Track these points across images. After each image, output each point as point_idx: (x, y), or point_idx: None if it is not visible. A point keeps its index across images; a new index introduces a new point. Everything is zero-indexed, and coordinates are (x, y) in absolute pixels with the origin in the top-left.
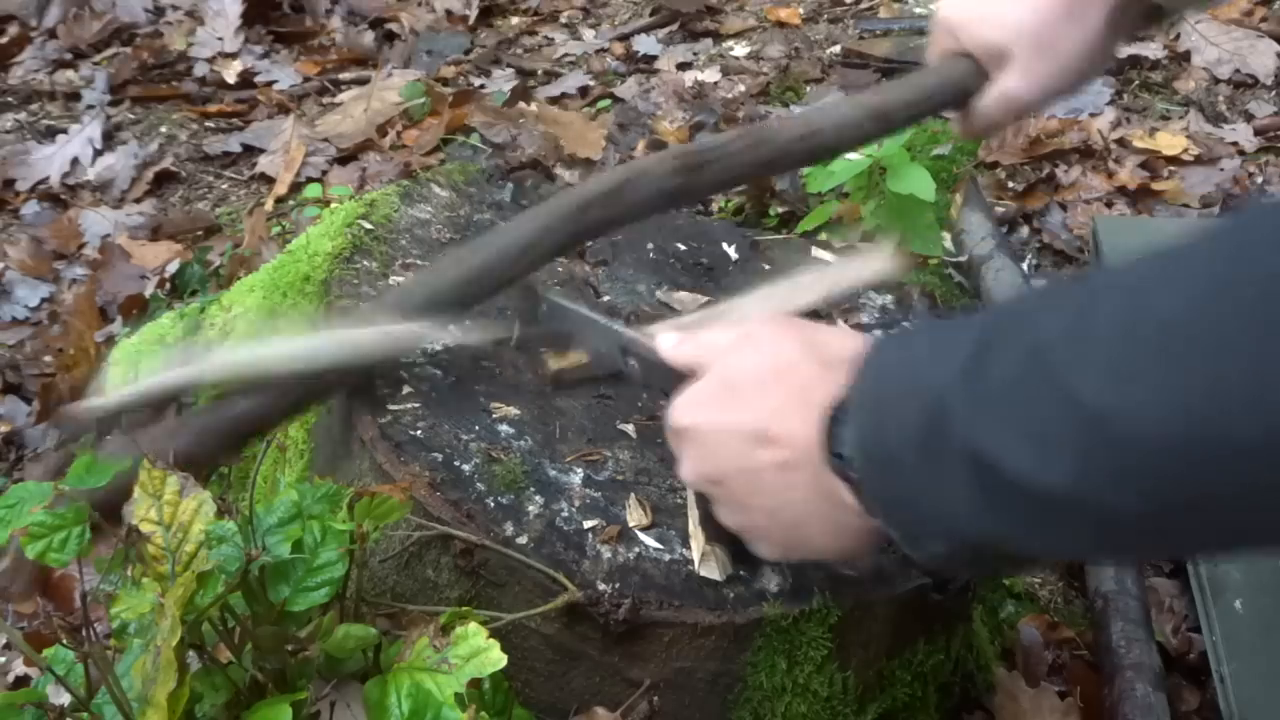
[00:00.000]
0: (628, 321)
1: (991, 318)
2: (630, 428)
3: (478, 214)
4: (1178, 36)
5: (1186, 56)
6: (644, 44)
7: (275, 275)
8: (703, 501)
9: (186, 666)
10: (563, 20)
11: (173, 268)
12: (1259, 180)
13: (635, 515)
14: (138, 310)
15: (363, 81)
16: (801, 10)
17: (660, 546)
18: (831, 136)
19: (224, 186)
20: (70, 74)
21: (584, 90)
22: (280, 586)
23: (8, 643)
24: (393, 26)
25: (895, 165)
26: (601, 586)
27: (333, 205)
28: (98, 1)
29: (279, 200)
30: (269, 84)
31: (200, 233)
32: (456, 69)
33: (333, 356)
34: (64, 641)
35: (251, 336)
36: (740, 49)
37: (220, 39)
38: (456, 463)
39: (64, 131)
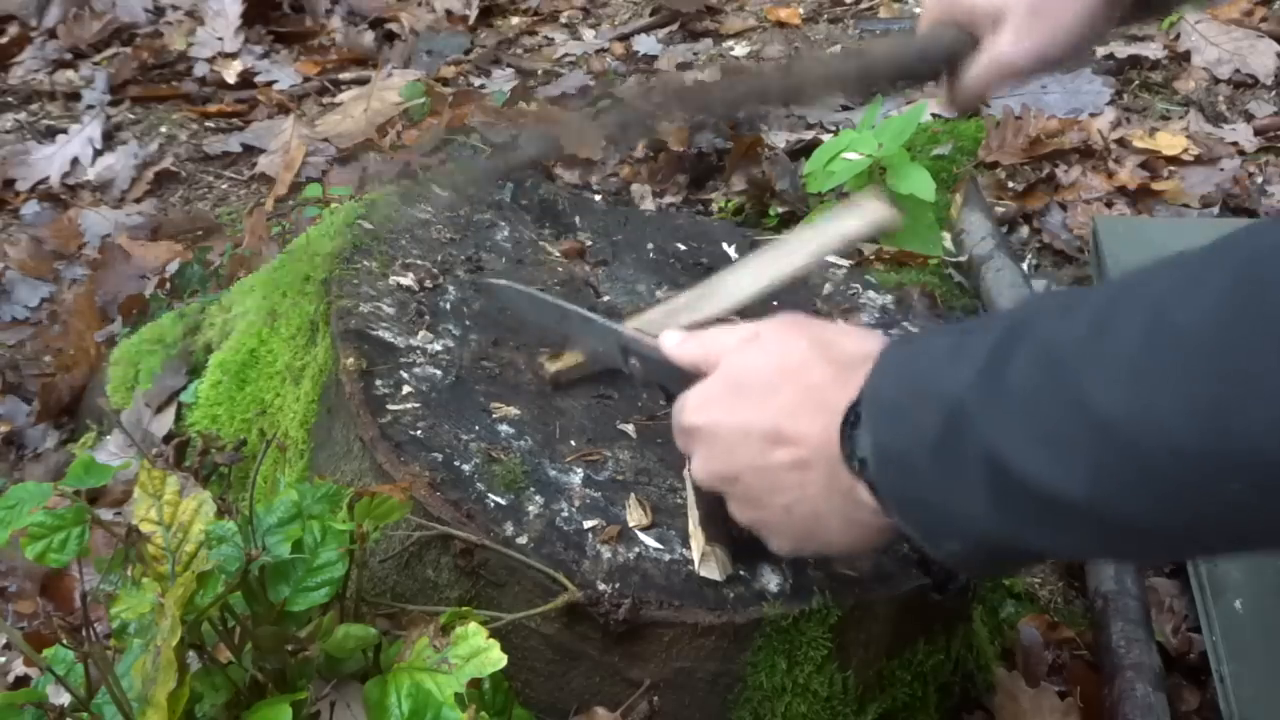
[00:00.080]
0: (610, 314)
1: (1007, 322)
2: (630, 428)
3: (478, 214)
4: (1178, 36)
5: (1186, 56)
6: (644, 44)
7: (275, 275)
8: (703, 501)
9: (186, 666)
10: (563, 20)
11: (173, 268)
12: (1259, 180)
13: (635, 515)
14: (138, 310)
15: (363, 81)
16: (801, 10)
17: (660, 546)
18: (813, 85)
19: (224, 186)
20: (70, 74)
21: (584, 90)
22: (280, 586)
23: (8, 643)
24: (393, 26)
25: (895, 165)
26: (601, 586)
27: (333, 205)
28: (98, 1)
29: (279, 200)
30: (269, 84)
31: (200, 233)
32: (456, 69)
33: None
34: (64, 641)
35: None
36: (740, 49)
37: (220, 39)
38: (456, 463)
39: (64, 131)
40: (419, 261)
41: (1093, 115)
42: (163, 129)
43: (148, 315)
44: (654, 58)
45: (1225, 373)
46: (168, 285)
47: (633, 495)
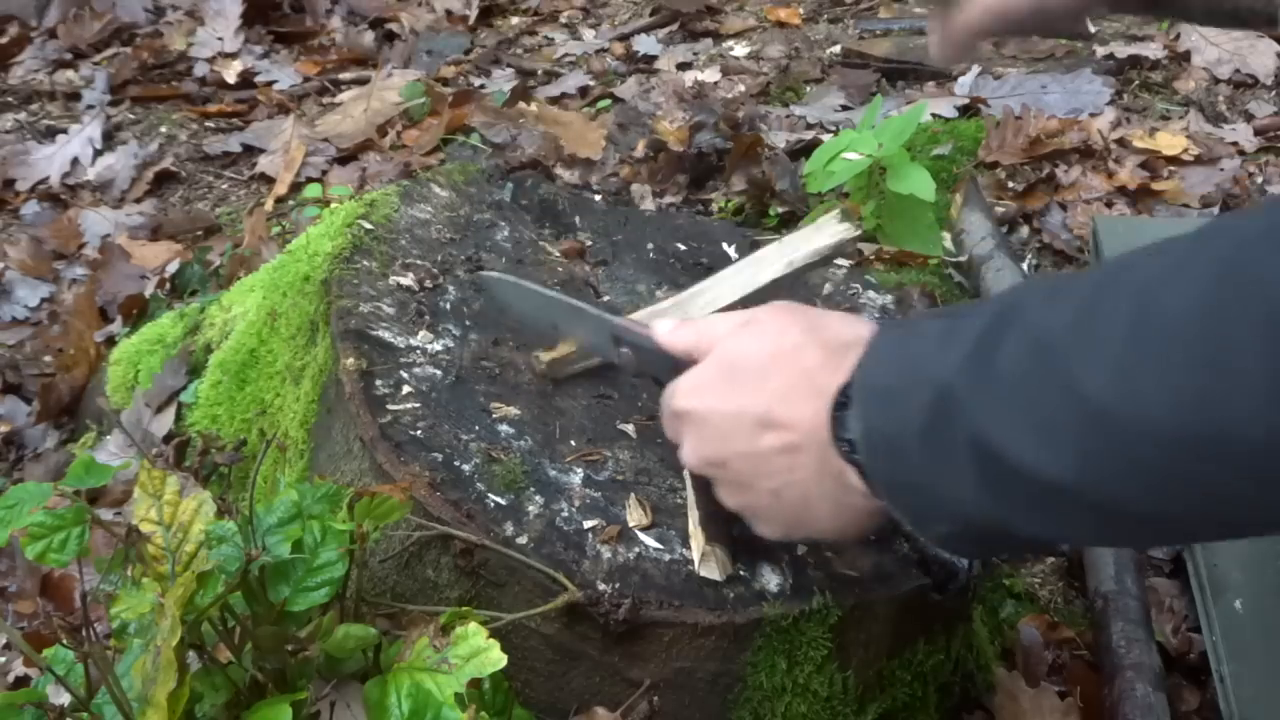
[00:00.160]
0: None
1: (997, 308)
2: (630, 428)
3: (478, 214)
4: (1178, 36)
5: (1186, 56)
6: (644, 44)
7: (275, 275)
8: (703, 501)
9: (186, 666)
10: (563, 20)
11: (173, 268)
12: (1259, 180)
13: (635, 515)
14: (138, 310)
15: (363, 81)
16: (801, 10)
17: (660, 546)
18: None
19: (224, 186)
20: (70, 74)
21: (584, 90)
22: (280, 586)
23: (8, 643)
24: (393, 26)
25: (895, 165)
26: (601, 586)
27: (333, 205)
28: (98, 1)
29: (279, 200)
30: (269, 84)
31: (200, 233)
32: (456, 69)
33: None
34: (64, 641)
35: None
36: (740, 49)
37: (220, 39)
38: (456, 463)
39: (64, 131)
40: (419, 261)
41: (1093, 115)
42: (163, 129)
43: (148, 315)
44: (654, 58)
45: (1209, 361)
46: (168, 285)
47: (633, 495)
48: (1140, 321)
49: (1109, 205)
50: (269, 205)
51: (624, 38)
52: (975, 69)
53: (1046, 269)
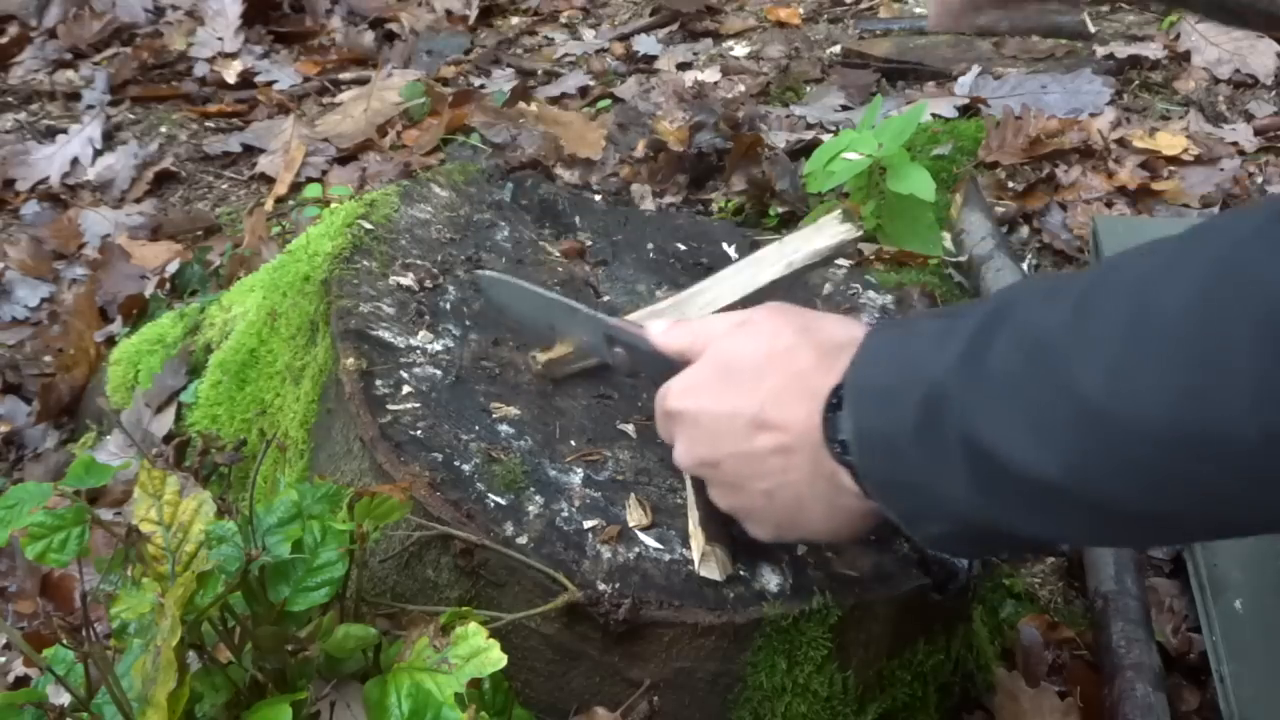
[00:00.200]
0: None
1: (990, 307)
2: (630, 428)
3: (478, 214)
4: (1178, 36)
5: (1186, 56)
6: (644, 44)
7: (275, 275)
8: (703, 502)
9: (186, 666)
10: (563, 20)
11: (173, 268)
12: (1259, 180)
13: (635, 515)
14: (138, 310)
15: (363, 81)
16: (801, 10)
17: (660, 546)
18: None
19: (224, 186)
20: (70, 74)
21: (584, 90)
22: (280, 586)
23: (8, 643)
24: (393, 26)
25: (895, 165)
26: (601, 586)
27: (333, 205)
28: (98, 1)
29: (279, 200)
30: (269, 84)
31: (200, 233)
32: (456, 69)
33: None
34: (64, 641)
35: None
36: (740, 49)
37: (220, 39)
38: (456, 463)
39: (64, 131)
40: (419, 261)
41: (1093, 115)
42: (163, 129)
43: (148, 315)
44: (654, 58)
45: (1204, 360)
46: (168, 285)
47: (633, 495)
48: (1136, 321)
49: (1109, 205)
50: (269, 205)
51: (624, 38)
52: (975, 69)
53: (1046, 269)
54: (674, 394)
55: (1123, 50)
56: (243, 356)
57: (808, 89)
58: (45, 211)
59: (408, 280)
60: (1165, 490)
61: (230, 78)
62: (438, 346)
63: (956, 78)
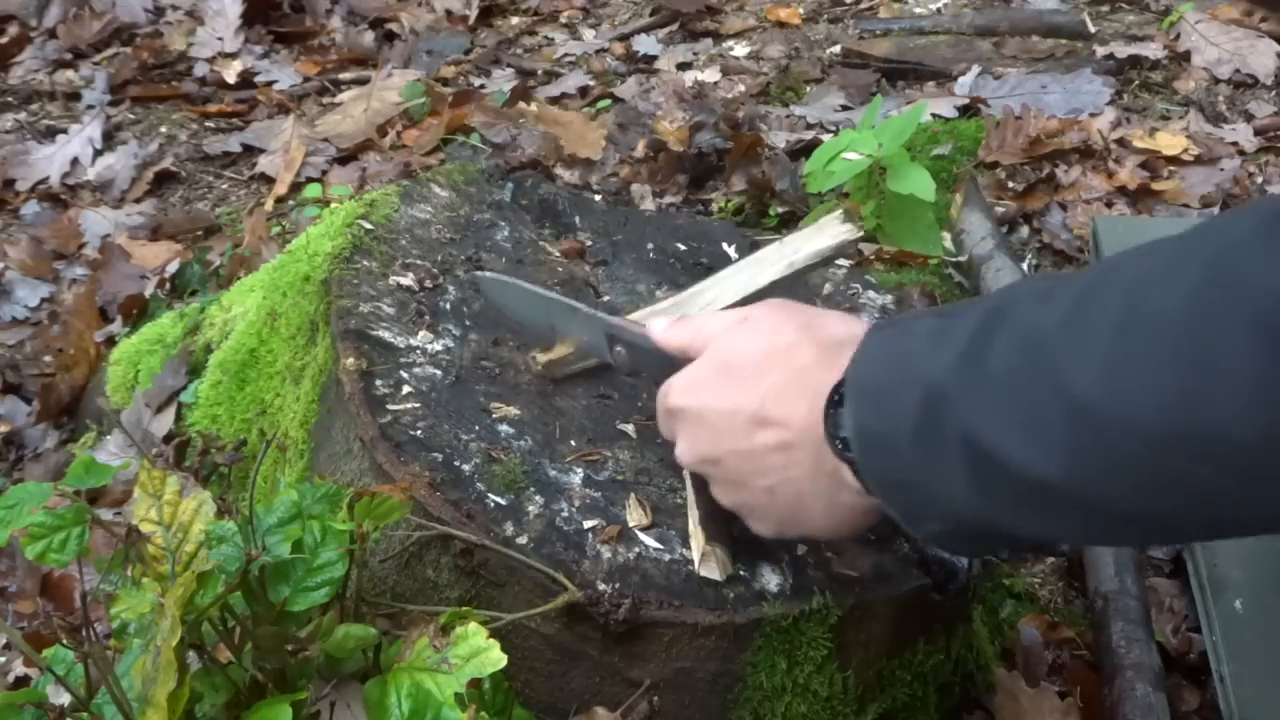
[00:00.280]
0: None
1: (989, 307)
2: (630, 428)
3: (478, 214)
4: (1178, 36)
5: (1186, 56)
6: (644, 44)
7: (275, 275)
8: (703, 501)
9: (186, 666)
10: (563, 20)
11: (173, 268)
12: (1259, 180)
13: (635, 515)
14: (138, 310)
15: (363, 81)
16: (801, 10)
17: (660, 546)
18: None
19: (224, 186)
20: (70, 74)
21: (584, 90)
22: (280, 586)
23: (8, 643)
24: (393, 26)
25: (895, 165)
26: (601, 586)
27: (333, 205)
28: (98, 1)
29: (279, 200)
30: (269, 84)
31: (200, 233)
32: (456, 69)
33: None
34: (64, 641)
35: None
36: (740, 49)
37: (220, 39)
38: (456, 463)
39: (64, 131)
40: (419, 261)
41: (1093, 115)
42: (163, 129)
43: (148, 315)
44: (654, 58)
45: (1196, 360)
46: (168, 285)
47: (633, 495)
48: (1129, 321)
49: (1109, 205)
50: (269, 205)
51: (624, 38)
52: (975, 69)
53: (1046, 269)
54: (675, 391)
55: (1123, 50)
56: (243, 356)
57: (808, 89)
58: (45, 211)
59: (408, 280)
60: (1159, 490)
61: (230, 78)
62: (438, 346)
63: (956, 78)
